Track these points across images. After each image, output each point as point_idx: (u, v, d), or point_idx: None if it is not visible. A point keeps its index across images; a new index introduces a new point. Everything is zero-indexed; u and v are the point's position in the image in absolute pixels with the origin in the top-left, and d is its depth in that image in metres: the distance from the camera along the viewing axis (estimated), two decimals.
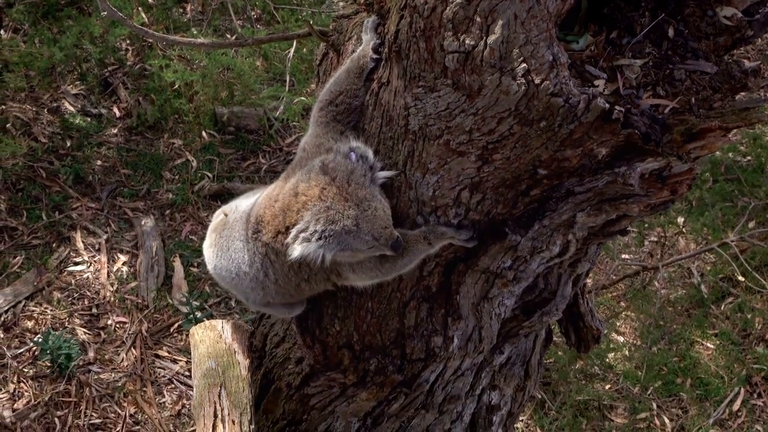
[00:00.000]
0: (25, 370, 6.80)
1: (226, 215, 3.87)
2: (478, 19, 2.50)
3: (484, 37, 2.52)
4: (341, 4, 3.65)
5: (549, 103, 2.58)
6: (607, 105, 2.59)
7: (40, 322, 7.16)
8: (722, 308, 8.42)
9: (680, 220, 8.86)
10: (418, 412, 4.02)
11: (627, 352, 8.01)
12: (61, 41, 7.84)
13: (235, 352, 4.16)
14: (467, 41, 2.55)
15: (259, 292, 3.72)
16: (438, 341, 3.57)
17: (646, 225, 8.66)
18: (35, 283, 7.36)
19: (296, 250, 3.10)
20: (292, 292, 3.66)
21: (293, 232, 3.12)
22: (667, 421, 7.58)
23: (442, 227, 3.22)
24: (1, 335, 7.00)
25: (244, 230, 3.60)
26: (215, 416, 3.97)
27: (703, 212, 8.77)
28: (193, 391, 4.38)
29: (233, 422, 3.95)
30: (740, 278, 8.39)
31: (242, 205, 3.78)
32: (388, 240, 3.11)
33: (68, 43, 7.86)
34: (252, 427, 3.99)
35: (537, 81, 2.54)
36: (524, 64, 2.52)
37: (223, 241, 3.78)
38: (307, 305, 3.86)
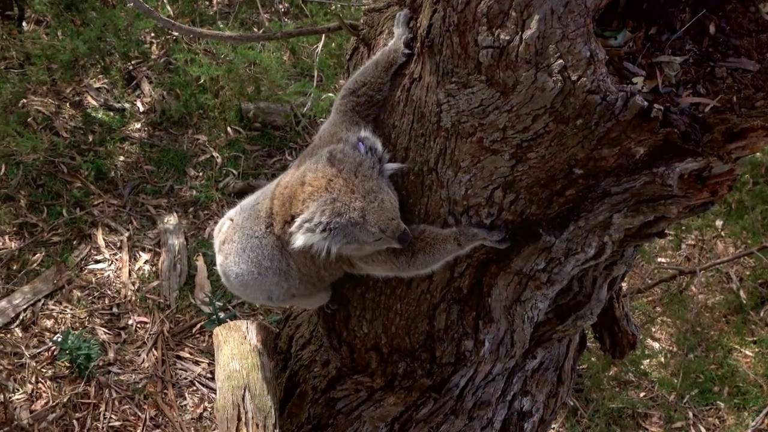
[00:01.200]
0: (44, 371, 6.84)
1: (232, 220, 3.89)
2: (514, 14, 2.51)
3: (520, 32, 2.52)
4: None
5: (586, 101, 2.57)
6: (646, 103, 2.59)
7: (60, 321, 7.20)
8: (761, 314, 8.39)
9: (719, 223, 8.81)
10: (447, 418, 4.02)
11: (663, 359, 7.99)
12: (85, 34, 7.88)
13: (260, 353, 4.17)
14: (502, 36, 2.55)
15: (284, 285, 3.74)
16: (469, 345, 3.58)
17: (684, 228, 8.63)
18: (55, 282, 7.40)
19: (299, 240, 3.13)
20: (314, 280, 3.70)
21: (297, 221, 3.15)
22: (703, 430, 7.56)
23: (474, 228, 3.23)
24: (20, 334, 7.05)
25: (257, 225, 3.64)
26: (239, 419, 3.98)
27: (743, 215, 8.72)
28: (215, 393, 4.40)
29: (257, 426, 3.96)
30: None
31: (247, 204, 3.81)
32: (395, 232, 3.14)
33: (92, 35, 7.90)
34: (277, 431, 4.00)
35: (574, 78, 2.54)
36: (561, 60, 2.52)
37: (237, 245, 3.79)
38: (333, 295, 3.89)
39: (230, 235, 3.85)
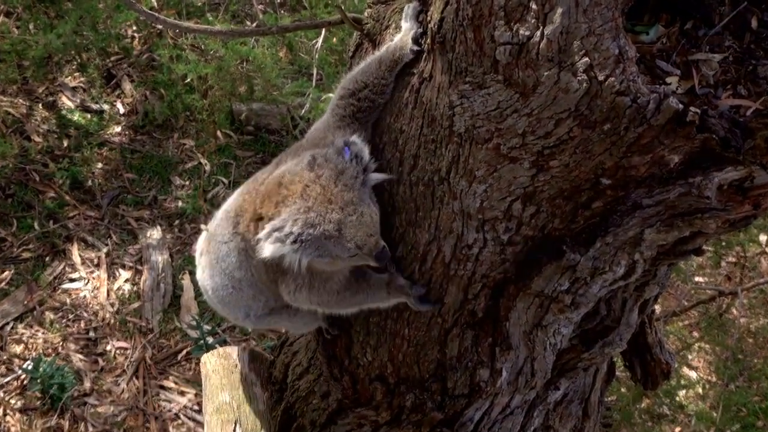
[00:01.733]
0: (12, 402, 6.86)
1: (208, 230, 3.91)
2: (534, 6, 2.51)
3: (541, 27, 2.52)
4: None
5: (614, 103, 2.58)
6: (681, 105, 2.59)
7: (31, 346, 7.21)
8: None
9: (763, 238, 8.80)
10: None
11: (700, 390, 7.97)
12: (59, 27, 7.91)
13: (252, 383, 4.18)
14: (521, 31, 2.56)
15: (260, 297, 3.78)
16: (484, 374, 3.58)
17: (724, 244, 8.62)
18: (25, 302, 7.41)
19: (267, 249, 3.15)
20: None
21: (267, 227, 3.16)
22: None
23: (401, 279, 3.39)
24: None
25: (226, 228, 3.68)
26: None
27: None
28: (203, 427, 4.40)
29: None
30: None
31: (221, 209, 3.85)
32: (372, 250, 3.18)
33: (67, 29, 7.92)
34: None
35: (601, 77, 2.54)
36: (586, 58, 2.53)
37: (211, 255, 3.84)
38: (332, 319, 3.90)
39: (205, 245, 3.89)
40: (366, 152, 3.19)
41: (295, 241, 3.11)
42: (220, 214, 3.82)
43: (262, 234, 3.17)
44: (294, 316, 3.91)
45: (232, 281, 3.79)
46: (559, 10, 2.48)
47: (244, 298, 3.84)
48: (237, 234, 3.60)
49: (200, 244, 3.99)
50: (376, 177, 3.24)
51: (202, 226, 4.01)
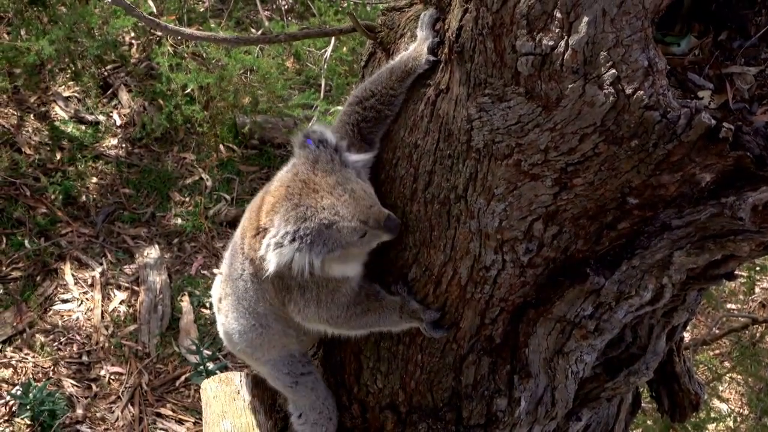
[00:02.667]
0: (0, 429, 6.85)
1: (221, 273, 3.97)
2: (559, 15, 2.52)
3: (566, 37, 2.53)
4: None
5: (642, 118, 2.58)
6: (714, 121, 2.59)
7: (20, 371, 7.22)
8: None
9: None
10: None
11: (731, 424, 7.96)
12: (52, 33, 7.93)
13: (255, 411, 4.18)
14: (545, 41, 2.57)
15: (290, 331, 3.83)
16: (501, 404, 3.58)
17: (759, 269, 8.61)
18: (14, 324, 7.42)
19: (272, 262, 3.23)
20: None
21: (264, 242, 3.25)
22: None
23: (415, 303, 3.41)
24: None
25: (237, 260, 3.76)
26: None
27: None
28: None
29: None
30: None
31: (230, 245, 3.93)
32: (378, 220, 3.22)
33: (60, 35, 7.94)
34: None
35: (629, 91, 2.55)
36: (613, 70, 2.53)
37: (232, 296, 3.90)
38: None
39: (224, 288, 3.92)
40: (328, 134, 3.28)
41: (293, 239, 3.18)
42: (229, 251, 3.86)
43: (261, 250, 3.25)
44: (316, 389, 3.98)
45: (257, 318, 3.83)
46: (585, 19, 2.48)
47: (275, 335, 3.88)
48: (246, 260, 3.65)
49: (216, 289, 4.02)
50: (356, 158, 3.31)
51: (215, 270, 4.06)
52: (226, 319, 3.96)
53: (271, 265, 3.24)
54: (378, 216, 3.22)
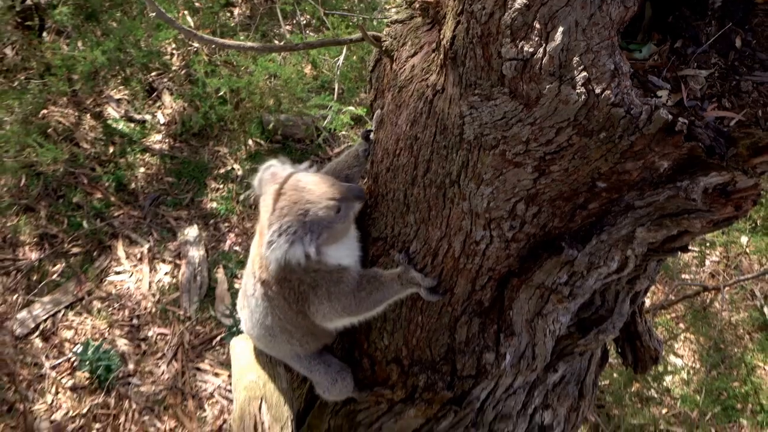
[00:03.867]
0: (64, 381, 6.87)
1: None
2: (538, 26, 2.51)
3: (544, 45, 2.53)
4: (393, 10, 3.67)
5: (610, 114, 2.58)
6: (671, 116, 2.59)
7: (80, 332, 7.23)
8: None
9: (744, 239, 8.79)
10: (467, 431, 4.02)
11: (685, 376, 7.96)
12: (105, 45, 7.90)
13: (276, 364, 4.18)
14: (526, 48, 2.56)
15: (293, 341, 3.92)
16: (490, 358, 3.58)
17: (709, 244, 8.61)
18: (75, 293, 7.43)
19: (271, 260, 3.36)
20: (303, 330, 3.86)
21: (263, 246, 3.36)
22: None
23: (413, 272, 3.42)
24: (40, 345, 7.08)
25: (251, 280, 3.82)
26: (255, 429, 4.00)
27: None
28: (233, 405, 4.41)
29: None
30: None
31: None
32: (342, 192, 3.41)
33: (112, 46, 7.92)
34: None
35: (598, 90, 2.54)
36: (585, 73, 2.53)
37: (246, 309, 3.98)
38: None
39: (242, 300, 4.03)
40: (275, 162, 3.60)
41: (280, 234, 3.32)
42: (246, 271, 3.93)
43: (263, 251, 3.39)
44: (328, 368, 4.00)
45: (266, 330, 3.90)
46: (560, 29, 2.48)
47: (282, 343, 3.95)
48: (257, 282, 3.72)
49: (240, 299, 4.06)
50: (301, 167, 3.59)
51: (238, 285, 4.16)
52: (246, 326, 4.06)
53: (272, 263, 3.37)
54: (341, 189, 3.37)
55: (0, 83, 8.16)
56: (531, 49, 2.55)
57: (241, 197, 8.47)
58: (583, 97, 2.56)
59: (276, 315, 3.75)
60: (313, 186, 3.39)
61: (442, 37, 2.98)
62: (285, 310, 3.70)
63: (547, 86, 2.58)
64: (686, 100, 2.77)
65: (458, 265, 3.34)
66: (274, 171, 3.56)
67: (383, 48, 3.49)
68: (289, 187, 3.42)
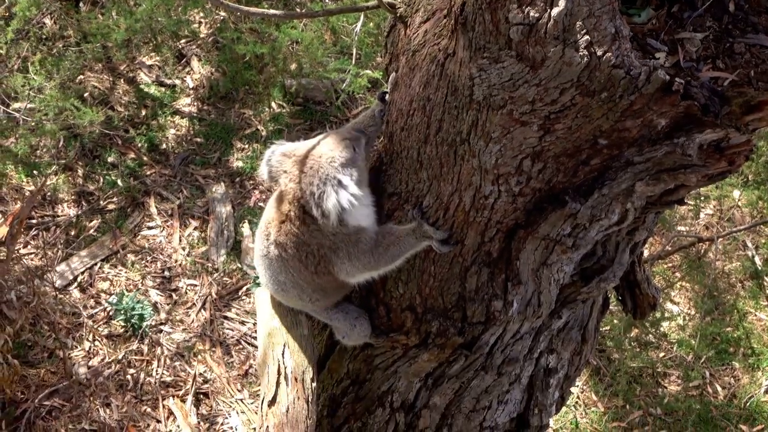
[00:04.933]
0: (100, 330, 6.91)
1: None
2: None
3: (548, 10, 2.51)
4: None
5: (611, 75, 2.57)
6: (668, 77, 2.58)
7: (115, 283, 7.27)
8: None
9: (736, 193, 8.78)
10: (477, 374, 4.04)
11: (681, 322, 7.98)
12: (138, 14, 7.88)
13: (298, 312, 4.20)
14: (532, 13, 2.55)
15: (303, 296, 3.96)
16: (498, 305, 3.59)
17: (703, 198, 8.60)
18: (110, 246, 7.46)
19: (330, 210, 3.43)
20: (316, 287, 3.90)
21: (313, 202, 3.46)
22: (719, 388, 7.55)
23: (426, 225, 3.44)
24: (78, 296, 7.12)
25: (262, 243, 3.87)
26: (279, 373, 4.02)
27: (759, 186, 8.68)
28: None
29: (296, 379, 3.99)
30: None
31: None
32: (351, 131, 3.67)
33: (144, 15, 7.90)
34: (314, 384, 4.03)
35: (599, 53, 2.53)
36: (587, 37, 2.52)
37: (259, 267, 4.05)
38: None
39: (245, 256, 4.09)
40: (277, 145, 3.75)
41: (325, 184, 3.43)
42: (258, 236, 3.98)
43: (314, 212, 3.47)
44: (347, 315, 4.03)
45: (279, 285, 3.95)
46: None
47: (294, 298, 4.00)
48: (272, 243, 3.76)
49: (255, 259, 4.09)
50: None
51: (245, 243, 4.20)
52: (261, 279, 4.10)
53: (331, 213, 3.40)
54: (349, 131, 3.63)
55: (40, 51, 8.16)
56: (536, 14, 2.54)
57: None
58: (585, 59, 2.55)
59: (290, 272, 3.79)
60: (326, 141, 3.53)
61: (453, 3, 2.97)
62: (300, 270, 3.74)
63: (552, 49, 2.57)
64: (683, 61, 2.76)
65: (468, 218, 3.34)
66: (283, 150, 3.65)
67: (398, 14, 3.48)
68: (307, 150, 3.54)
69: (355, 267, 3.62)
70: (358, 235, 3.56)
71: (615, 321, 7.56)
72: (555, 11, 2.50)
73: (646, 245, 4.54)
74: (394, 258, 3.55)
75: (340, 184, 3.42)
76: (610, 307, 4.55)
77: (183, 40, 9.36)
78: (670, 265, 8.41)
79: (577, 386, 7.35)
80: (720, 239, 7.99)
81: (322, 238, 3.57)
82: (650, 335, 7.80)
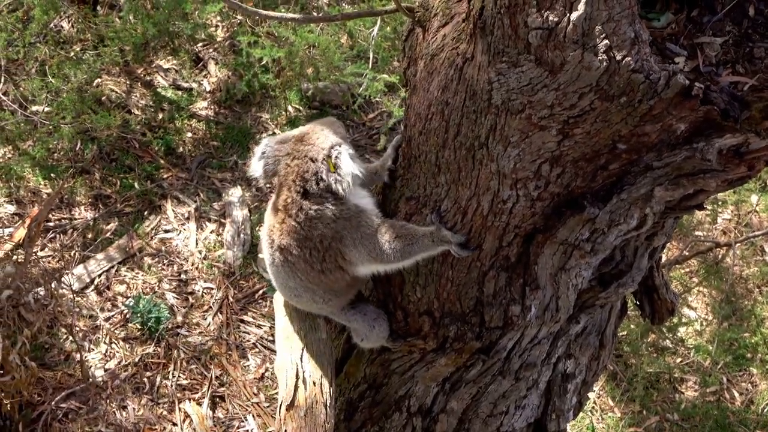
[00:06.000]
0: (117, 332, 6.93)
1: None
2: None
3: (568, 14, 2.52)
4: None
5: (630, 79, 2.57)
6: (687, 81, 2.58)
7: (132, 286, 7.28)
8: None
9: (754, 198, 8.75)
10: (495, 379, 4.04)
11: (698, 327, 7.96)
12: (155, 17, 7.91)
13: (316, 315, 4.20)
14: (551, 18, 2.55)
15: (317, 299, 3.95)
16: (516, 310, 3.59)
17: (721, 203, 8.58)
18: (127, 249, 7.48)
19: (347, 174, 3.54)
20: (325, 287, 3.88)
21: (324, 170, 3.56)
22: (736, 394, 7.53)
23: (445, 230, 3.43)
24: (95, 298, 7.13)
25: (267, 251, 3.89)
26: (297, 377, 4.02)
27: None
28: (276, 354, 4.43)
29: (314, 383, 4.00)
30: None
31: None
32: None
33: (161, 19, 7.92)
34: (332, 388, 4.04)
35: (618, 57, 2.53)
36: (606, 41, 2.52)
37: (270, 275, 4.05)
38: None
39: (262, 262, 4.09)
40: (266, 138, 3.84)
41: (340, 151, 3.56)
42: (263, 240, 4.00)
43: (331, 182, 3.54)
44: (365, 316, 4.02)
45: (291, 291, 3.97)
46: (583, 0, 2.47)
47: (308, 302, 4.00)
48: (276, 249, 3.77)
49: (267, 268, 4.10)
50: None
51: (260, 255, 4.20)
52: (275, 284, 4.10)
53: (346, 177, 3.52)
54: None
55: (57, 54, 8.18)
56: (556, 18, 2.55)
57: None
58: (604, 63, 2.55)
59: (298, 276, 3.80)
60: (320, 121, 3.75)
61: (471, 7, 2.97)
62: (307, 272, 3.74)
63: (571, 53, 2.57)
64: (702, 66, 2.75)
65: (486, 222, 3.34)
66: (278, 139, 3.75)
67: (416, 18, 3.48)
68: (303, 132, 3.69)
69: (362, 254, 3.62)
70: (359, 218, 3.59)
71: (632, 326, 7.55)
72: (574, 15, 2.51)
73: (664, 250, 4.54)
74: (405, 255, 3.54)
75: (347, 153, 3.55)
76: (628, 313, 4.55)
77: (200, 44, 9.38)
78: (688, 270, 8.39)
79: (594, 391, 7.34)
80: (738, 244, 7.97)
81: (323, 228, 3.58)
82: (667, 340, 7.78)
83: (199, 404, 6.67)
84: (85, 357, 6.65)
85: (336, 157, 3.52)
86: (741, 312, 8.04)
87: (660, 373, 7.53)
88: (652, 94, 2.60)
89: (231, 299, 7.37)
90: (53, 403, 6.26)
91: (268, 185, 3.64)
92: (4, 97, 7.61)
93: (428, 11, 3.41)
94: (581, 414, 6.98)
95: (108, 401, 6.46)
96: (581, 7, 2.49)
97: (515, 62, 2.75)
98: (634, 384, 7.35)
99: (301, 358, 4.09)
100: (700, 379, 7.55)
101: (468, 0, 3.09)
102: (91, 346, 6.81)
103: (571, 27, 2.53)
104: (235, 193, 8.11)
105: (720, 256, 8.26)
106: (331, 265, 3.67)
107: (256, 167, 3.73)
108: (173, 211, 7.92)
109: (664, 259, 7.22)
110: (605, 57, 2.54)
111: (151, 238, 7.69)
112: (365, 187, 3.73)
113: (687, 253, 8.07)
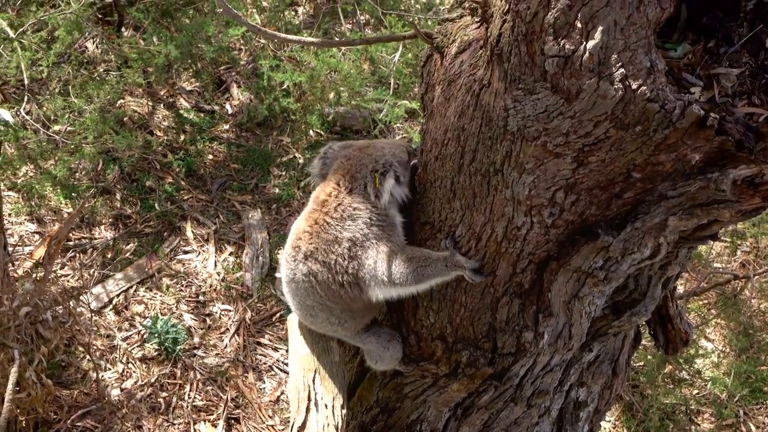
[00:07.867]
0: (134, 352, 6.94)
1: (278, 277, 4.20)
2: (579, 25, 2.51)
3: (584, 42, 2.53)
4: (446, 8, 3.67)
5: (645, 108, 2.57)
6: (703, 112, 2.58)
7: (150, 306, 7.29)
8: None
9: None
10: (506, 405, 4.03)
11: (715, 359, 7.92)
12: (178, 40, 7.95)
13: (330, 338, 4.21)
14: (567, 46, 2.56)
15: (333, 319, 3.94)
16: (528, 336, 3.58)
17: (739, 235, 8.54)
18: (146, 270, 7.50)
19: (385, 190, 3.61)
20: (343, 307, 3.88)
21: (370, 179, 3.64)
22: (753, 427, 7.48)
23: (459, 256, 3.44)
24: (113, 318, 7.15)
25: (289, 266, 3.87)
26: (309, 399, 4.03)
27: None
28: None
29: (326, 406, 4.00)
30: None
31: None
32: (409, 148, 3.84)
33: (184, 41, 7.97)
34: (344, 411, 4.04)
35: (634, 86, 2.54)
36: (622, 70, 2.53)
37: (287, 294, 4.04)
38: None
39: (279, 284, 4.08)
40: (332, 143, 3.92)
41: (387, 168, 3.67)
42: (282, 262, 3.98)
43: (369, 186, 3.64)
44: (379, 338, 4.02)
45: (308, 309, 3.96)
46: (600, 28, 2.48)
47: (323, 321, 3.98)
48: (299, 261, 3.76)
49: (284, 288, 4.09)
50: None
51: (277, 274, 4.19)
52: (293, 309, 4.10)
53: (385, 195, 3.61)
54: (408, 144, 3.83)
55: (81, 74, 8.24)
56: (572, 47, 2.55)
57: (302, 184, 8.50)
58: (620, 92, 2.55)
59: (317, 292, 3.78)
60: (388, 140, 3.71)
61: (489, 34, 2.98)
62: (328, 285, 3.72)
63: (587, 82, 2.58)
64: (718, 96, 2.75)
65: (500, 248, 3.35)
66: (342, 144, 3.82)
67: (434, 44, 3.50)
68: (367, 144, 3.76)
69: (379, 272, 3.61)
70: (391, 230, 3.63)
71: (649, 356, 7.52)
72: (590, 44, 2.52)
73: (682, 281, 4.53)
74: (418, 279, 3.54)
75: (396, 176, 3.62)
76: (644, 343, 4.53)
77: (222, 67, 9.43)
78: (706, 301, 8.36)
79: (609, 421, 7.31)
80: (756, 277, 7.94)
81: (355, 229, 3.61)
82: (684, 372, 7.75)
83: (215, 426, 6.67)
84: (102, 376, 6.67)
85: (382, 174, 3.58)
86: (758, 345, 7.99)
87: (676, 404, 7.48)
88: (667, 123, 2.60)
89: (248, 321, 7.38)
90: (69, 421, 6.27)
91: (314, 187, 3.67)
92: (27, 117, 7.65)
93: (446, 37, 3.42)
94: None
95: (123, 421, 6.47)
96: (598, 35, 2.50)
97: (531, 89, 2.76)
98: (649, 415, 7.31)
99: (313, 381, 4.10)
100: (717, 412, 7.50)
101: (486, 27, 3.11)
102: (108, 366, 6.82)
103: (588, 55, 2.54)
104: (254, 216, 8.13)
105: (738, 289, 8.23)
106: (352, 279, 3.67)
107: (315, 164, 3.83)
108: (193, 232, 7.95)
109: (681, 290, 7.20)
110: (621, 86, 2.55)
111: (171, 259, 7.71)
112: (403, 211, 3.75)
113: (705, 285, 8.04)
